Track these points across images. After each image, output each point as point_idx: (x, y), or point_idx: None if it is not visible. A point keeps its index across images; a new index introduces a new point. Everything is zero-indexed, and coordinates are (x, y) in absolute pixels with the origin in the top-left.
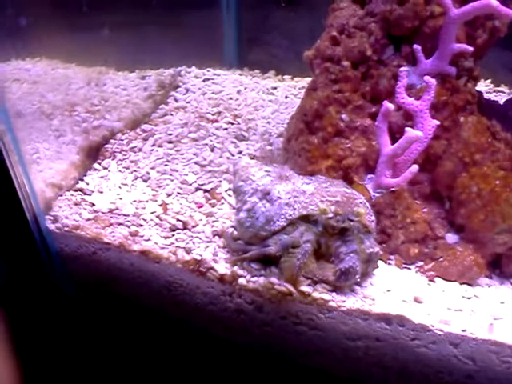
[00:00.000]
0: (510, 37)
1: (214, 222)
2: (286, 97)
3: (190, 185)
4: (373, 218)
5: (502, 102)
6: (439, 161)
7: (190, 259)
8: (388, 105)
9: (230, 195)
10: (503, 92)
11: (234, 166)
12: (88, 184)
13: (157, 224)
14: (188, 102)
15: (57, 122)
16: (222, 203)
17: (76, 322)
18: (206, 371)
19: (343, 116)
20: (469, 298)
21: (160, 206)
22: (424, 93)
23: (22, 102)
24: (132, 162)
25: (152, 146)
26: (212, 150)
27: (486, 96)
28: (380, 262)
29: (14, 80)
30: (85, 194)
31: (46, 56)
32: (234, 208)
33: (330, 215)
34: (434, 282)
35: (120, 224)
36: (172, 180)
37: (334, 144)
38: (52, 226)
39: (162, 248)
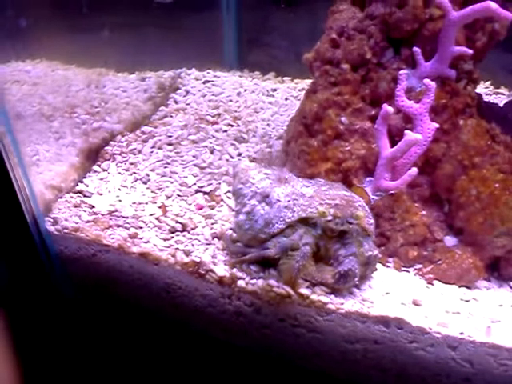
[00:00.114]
0: (509, 39)
1: (213, 224)
2: (286, 99)
3: (190, 187)
4: (372, 220)
5: (501, 105)
6: (438, 164)
7: (189, 261)
8: (387, 108)
9: (229, 197)
10: (503, 94)
11: (234, 168)
12: (88, 186)
13: (156, 226)
14: (188, 104)
15: (57, 124)
16: (222, 205)
17: (75, 323)
18: (204, 373)
19: (343, 119)
20: (467, 301)
21: (159, 208)
22: (423, 96)
23: (21, 103)
24: (132, 164)
25: (152, 148)
26: (212, 152)
27: (486, 98)
28: (379, 265)
29: (13, 82)
30: (84, 196)
31: (46, 57)
32: (233, 210)
33: (329, 218)
34: (432, 284)
35: (119, 226)
36: (171, 182)
37: (333, 147)
38: (52, 228)
39: (161, 250)
